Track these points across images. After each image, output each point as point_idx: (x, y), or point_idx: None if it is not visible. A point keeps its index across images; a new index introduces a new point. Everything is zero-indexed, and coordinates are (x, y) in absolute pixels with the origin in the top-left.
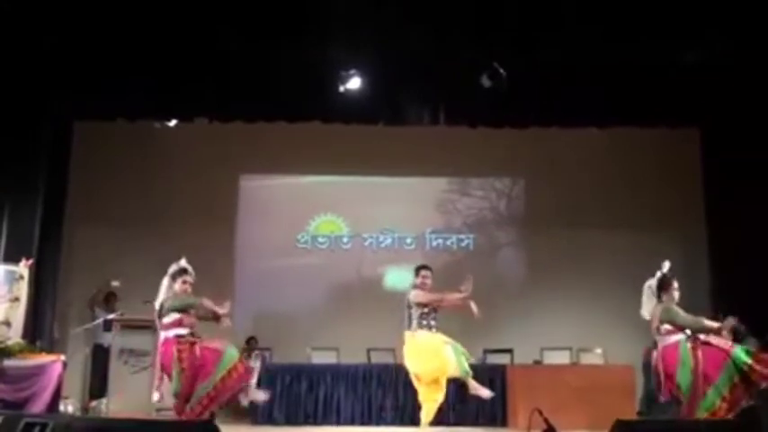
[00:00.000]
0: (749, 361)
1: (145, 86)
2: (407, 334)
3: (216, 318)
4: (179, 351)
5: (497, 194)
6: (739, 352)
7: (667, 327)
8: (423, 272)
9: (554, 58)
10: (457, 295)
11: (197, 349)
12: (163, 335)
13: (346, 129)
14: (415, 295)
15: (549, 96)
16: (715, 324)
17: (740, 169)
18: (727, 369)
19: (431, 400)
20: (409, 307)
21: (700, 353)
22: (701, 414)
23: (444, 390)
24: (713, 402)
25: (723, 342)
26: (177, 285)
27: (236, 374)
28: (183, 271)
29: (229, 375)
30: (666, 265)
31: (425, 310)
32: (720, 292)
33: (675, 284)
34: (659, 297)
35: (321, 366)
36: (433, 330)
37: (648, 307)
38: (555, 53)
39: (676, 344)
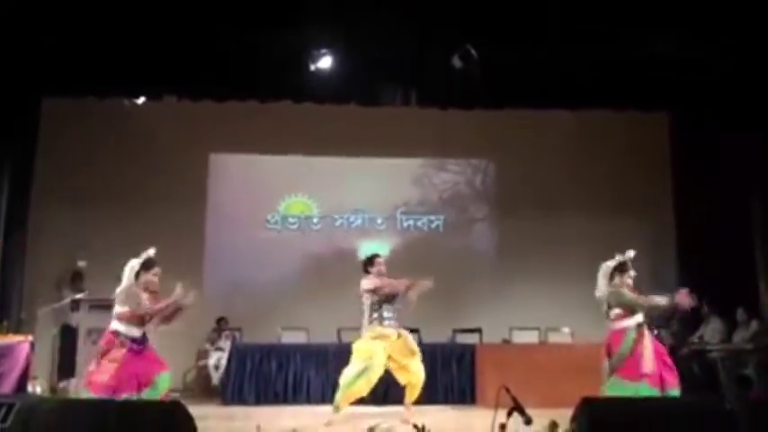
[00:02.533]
0: None
1: (114, 64)
2: (363, 323)
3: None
4: (107, 349)
5: (473, 170)
6: None
7: (617, 311)
8: (377, 260)
9: (526, 40)
10: (404, 282)
11: (126, 355)
12: (111, 323)
13: (318, 108)
14: (364, 283)
15: (521, 78)
16: (663, 299)
17: (707, 153)
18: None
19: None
20: (360, 295)
21: (646, 342)
22: None
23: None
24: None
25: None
26: (147, 277)
27: None
28: (152, 262)
29: None
30: (631, 253)
31: (375, 298)
32: (688, 272)
33: (632, 273)
34: (611, 278)
35: (291, 346)
36: (385, 323)
37: (603, 288)
38: (527, 36)
39: (623, 330)
